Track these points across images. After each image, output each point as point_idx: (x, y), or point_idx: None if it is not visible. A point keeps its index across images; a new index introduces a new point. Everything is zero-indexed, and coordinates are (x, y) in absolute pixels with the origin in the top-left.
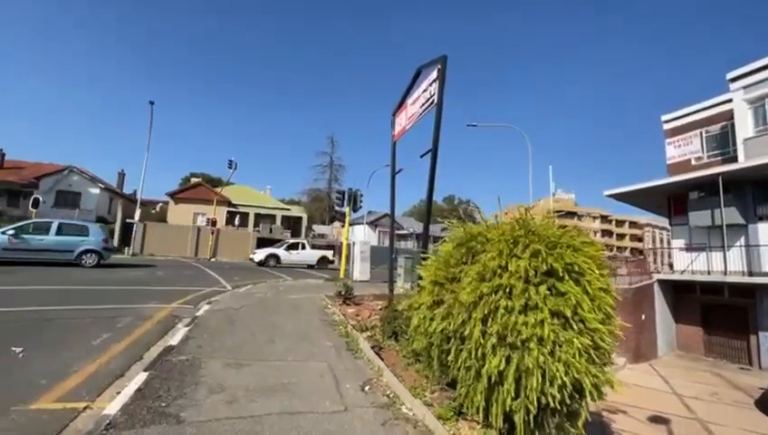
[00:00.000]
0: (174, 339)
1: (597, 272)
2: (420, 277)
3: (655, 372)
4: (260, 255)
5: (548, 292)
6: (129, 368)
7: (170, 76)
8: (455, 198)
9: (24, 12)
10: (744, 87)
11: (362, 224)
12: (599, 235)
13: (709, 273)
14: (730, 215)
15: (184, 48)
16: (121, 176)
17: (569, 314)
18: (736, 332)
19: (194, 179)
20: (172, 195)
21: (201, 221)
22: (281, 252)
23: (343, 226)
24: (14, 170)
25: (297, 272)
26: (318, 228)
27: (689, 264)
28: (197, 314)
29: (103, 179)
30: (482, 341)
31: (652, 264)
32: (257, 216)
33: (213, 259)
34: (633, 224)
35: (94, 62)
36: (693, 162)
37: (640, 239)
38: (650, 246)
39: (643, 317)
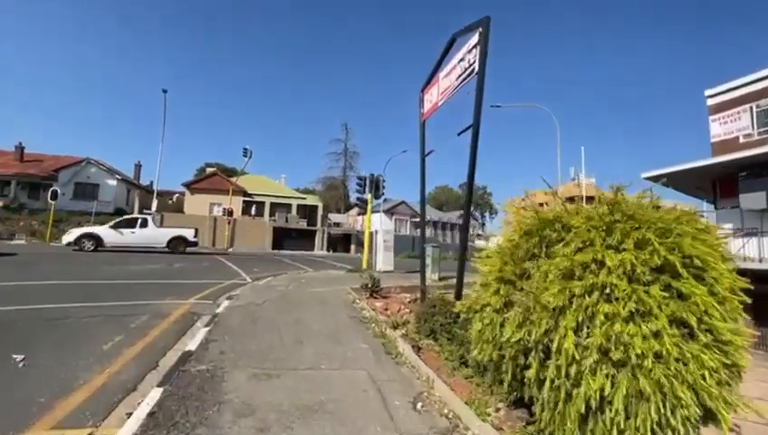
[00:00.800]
0: (193, 342)
1: (723, 266)
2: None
3: None
4: (72, 235)
5: (663, 293)
6: (143, 379)
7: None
8: None
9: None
10: None
11: (378, 212)
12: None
13: (761, 260)
14: None
15: (199, 35)
16: (138, 167)
17: (694, 322)
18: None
19: (209, 169)
20: (188, 185)
21: (217, 211)
22: (105, 231)
23: (360, 213)
24: (33, 163)
25: (319, 264)
26: (334, 217)
27: (739, 249)
28: (217, 310)
29: (120, 171)
30: (576, 355)
31: None
32: (273, 205)
33: (230, 249)
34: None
35: (108, 55)
36: (741, 139)
37: None
38: None
39: None
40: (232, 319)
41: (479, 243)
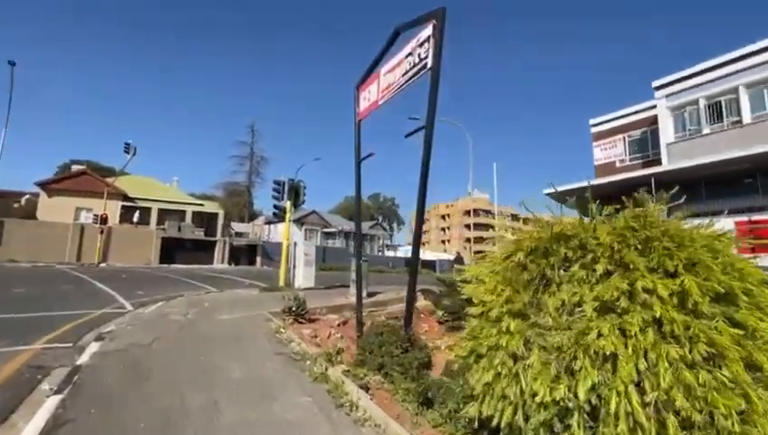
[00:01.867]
0: (28, 429)
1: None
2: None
3: None
4: None
5: (734, 330)
6: None
7: (40, 33)
8: (380, 195)
9: None
10: (667, 95)
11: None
12: (510, 231)
13: None
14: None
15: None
16: None
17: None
18: None
19: (76, 167)
20: (44, 184)
21: (86, 218)
22: None
23: (268, 222)
24: None
25: (223, 281)
26: (237, 226)
27: None
28: (80, 360)
29: None
30: (642, 419)
31: None
32: (162, 212)
33: (102, 264)
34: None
35: None
36: (617, 164)
37: None
38: None
39: None
40: (103, 374)
41: (389, 253)
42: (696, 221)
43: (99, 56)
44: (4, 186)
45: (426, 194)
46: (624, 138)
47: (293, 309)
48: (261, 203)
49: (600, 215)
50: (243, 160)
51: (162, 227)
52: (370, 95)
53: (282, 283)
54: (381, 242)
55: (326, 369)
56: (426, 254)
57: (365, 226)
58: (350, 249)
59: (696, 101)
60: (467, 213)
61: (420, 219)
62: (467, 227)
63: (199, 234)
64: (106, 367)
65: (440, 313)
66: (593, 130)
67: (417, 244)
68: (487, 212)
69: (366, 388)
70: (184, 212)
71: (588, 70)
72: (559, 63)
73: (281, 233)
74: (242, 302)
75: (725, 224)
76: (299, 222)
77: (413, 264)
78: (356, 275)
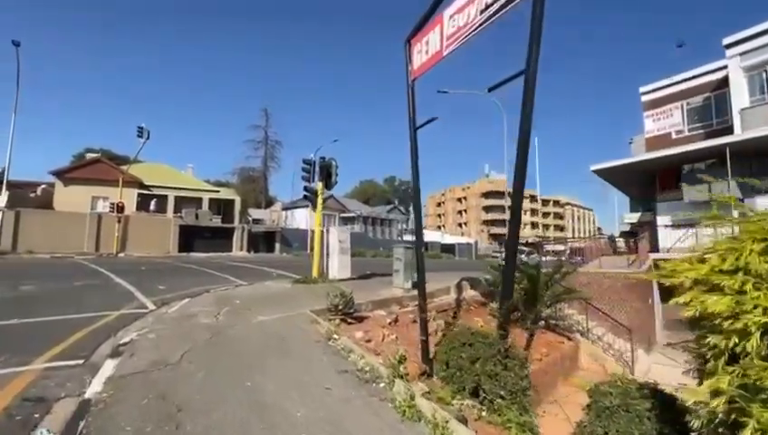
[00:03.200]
0: None
1: None
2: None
3: (673, 362)
4: None
5: None
6: None
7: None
8: (395, 179)
9: None
10: (741, 54)
11: (304, 207)
12: (528, 214)
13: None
14: (725, 188)
15: None
16: None
17: None
18: None
19: (90, 155)
20: (60, 174)
21: (103, 207)
22: None
23: (286, 208)
24: None
25: (247, 272)
26: (254, 213)
27: (678, 240)
28: (89, 391)
29: None
30: None
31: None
32: (179, 199)
33: (121, 254)
34: (556, 203)
35: None
36: (673, 136)
37: (561, 217)
38: (570, 222)
39: (650, 301)
40: (118, 417)
41: (407, 238)
42: None
43: (109, 42)
44: (19, 176)
45: (526, 160)
46: (682, 105)
47: (340, 308)
48: (276, 189)
49: None
50: (257, 145)
51: (179, 214)
52: (429, 47)
53: (315, 273)
54: (400, 226)
55: (412, 397)
56: (445, 237)
57: (382, 210)
58: (368, 234)
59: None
60: (484, 195)
61: (519, 192)
62: (485, 209)
63: (217, 221)
64: (122, 403)
65: (494, 305)
66: (644, 98)
67: (515, 223)
68: (504, 195)
69: (464, 420)
70: (200, 199)
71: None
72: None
73: (299, 219)
74: (276, 298)
75: None
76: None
77: (509, 263)
78: (417, 266)
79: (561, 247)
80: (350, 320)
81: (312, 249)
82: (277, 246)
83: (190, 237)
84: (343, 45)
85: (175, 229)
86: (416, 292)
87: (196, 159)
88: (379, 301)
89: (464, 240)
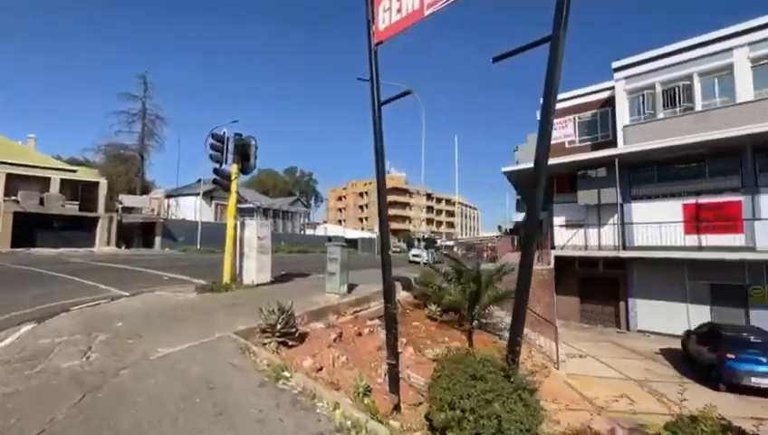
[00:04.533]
0: None
1: None
2: None
3: (581, 351)
4: None
5: None
6: None
7: None
8: (297, 169)
9: None
10: (626, 78)
11: (193, 195)
12: (424, 210)
13: (586, 248)
14: (611, 194)
15: None
16: None
17: None
18: (608, 300)
19: None
20: None
21: None
22: None
23: (170, 195)
24: None
25: (126, 275)
26: (127, 199)
27: (569, 239)
28: None
29: None
30: None
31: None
32: (12, 178)
33: None
34: (448, 201)
35: None
36: (566, 145)
37: (452, 214)
38: (459, 219)
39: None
40: None
41: (309, 232)
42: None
43: None
44: None
45: (549, 144)
46: (575, 118)
47: (279, 327)
48: (157, 172)
49: None
50: (132, 118)
51: (14, 198)
52: (402, 4)
53: (227, 278)
54: (302, 220)
55: None
56: (347, 232)
57: (283, 202)
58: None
59: (652, 86)
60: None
61: (538, 183)
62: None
63: (72, 208)
64: None
65: (433, 307)
66: None
67: (533, 214)
68: (405, 191)
69: None
70: (48, 180)
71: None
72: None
73: (187, 208)
74: (180, 315)
75: (674, 206)
76: (207, 196)
77: (525, 267)
78: (383, 270)
79: (449, 243)
80: (290, 342)
81: (229, 248)
82: (158, 240)
83: (31, 228)
84: (248, 19)
85: (6, 217)
86: (353, 297)
87: (41, 130)
88: (315, 311)
89: (366, 235)
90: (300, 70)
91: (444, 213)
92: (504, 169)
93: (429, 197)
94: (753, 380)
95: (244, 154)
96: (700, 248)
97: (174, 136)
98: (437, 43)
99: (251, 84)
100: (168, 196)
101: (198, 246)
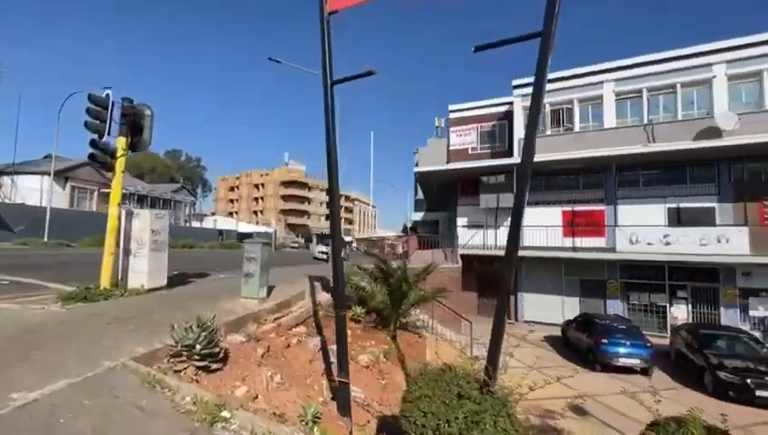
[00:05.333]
0: None
1: None
2: None
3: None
4: None
5: None
6: None
7: None
8: (181, 153)
9: None
10: (523, 95)
11: (40, 174)
12: (324, 206)
13: (485, 247)
14: (509, 199)
15: None
16: None
17: None
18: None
19: None
20: None
21: None
22: None
23: (4, 172)
24: None
25: None
26: None
27: (469, 239)
28: None
29: None
30: None
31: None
32: None
33: None
34: (347, 198)
35: None
36: (470, 151)
37: (351, 211)
38: (358, 217)
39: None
40: None
41: (196, 224)
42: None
43: None
44: None
45: (537, 122)
46: (477, 127)
47: (199, 348)
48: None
49: None
50: None
51: None
52: None
53: (105, 282)
54: (188, 210)
55: None
56: (240, 225)
57: (165, 188)
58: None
59: (543, 105)
60: (283, 184)
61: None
62: (283, 198)
63: None
64: None
65: (358, 309)
66: (452, 115)
67: (518, 210)
68: (305, 185)
69: None
70: None
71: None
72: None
73: (27, 189)
74: (41, 336)
75: (556, 212)
76: (61, 176)
77: (507, 266)
78: (334, 278)
79: (348, 238)
80: (213, 365)
81: (110, 244)
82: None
83: None
84: None
85: None
86: (273, 302)
87: None
88: (233, 322)
89: (262, 229)
90: (191, 38)
91: (343, 209)
92: (416, 170)
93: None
94: (621, 360)
95: (135, 126)
96: (575, 249)
97: (12, 93)
98: (353, 33)
99: (132, 43)
100: (1, 173)
101: (46, 239)
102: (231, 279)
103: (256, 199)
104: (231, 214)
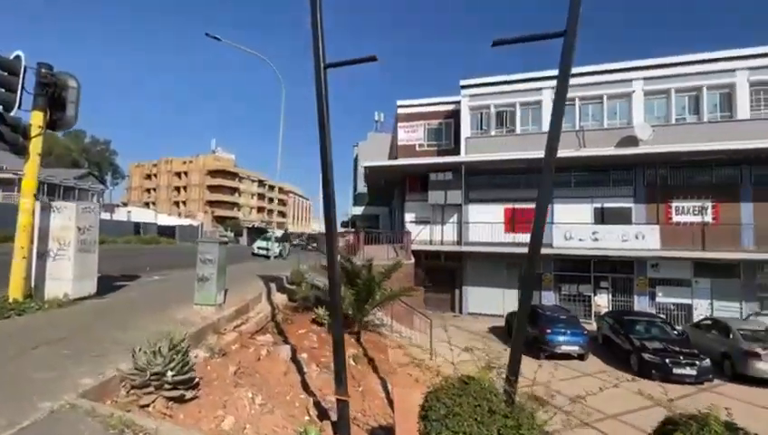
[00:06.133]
0: None
1: None
2: None
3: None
4: None
5: None
6: None
7: None
8: (85, 134)
9: None
10: (471, 96)
11: None
12: (255, 198)
13: (431, 242)
14: (456, 196)
15: None
16: None
17: None
18: (445, 288)
19: None
20: None
21: None
22: None
23: None
24: None
25: None
26: None
27: (417, 234)
28: None
29: None
30: None
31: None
32: None
33: None
34: (281, 190)
35: None
36: (417, 148)
37: (284, 204)
38: (292, 210)
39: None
40: None
41: (105, 216)
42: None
43: None
44: None
45: (557, 140)
46: (425, 125)
47: (171, 375)
48: None
49: None
50: None
51: None
52: None
53: (16, 292)
54: (97, 200)
55: None
56: (160, 217)
57: (67, 175)
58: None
59: (488, 107)
60: (210, 173)
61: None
62: (210, 189)
63: None
64: None
65: (321, 311)
66: (400, 111)
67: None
68: (234, 175)
69: None
70: None
71: None
72: None
73: None
74: None
75: (499, 209)
76: None
77: (529, 279)
78: (330, 288)
79: (278, 233)
80: (188, 394)
81: (22, 245)
82: None
83: None
84: None
85: None
86: (231, 309)
87: None
88: (192, 335)
89: (186, 222)
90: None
91: (276, 201)
92: (365, 165)
93: (261, 183)
94: (563, 347)
95: (56, 99)
96: (514, 244)
97: None
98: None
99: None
100: None
101: None
102: (170, 282)
103: (178, 189)
104: (148, 205)
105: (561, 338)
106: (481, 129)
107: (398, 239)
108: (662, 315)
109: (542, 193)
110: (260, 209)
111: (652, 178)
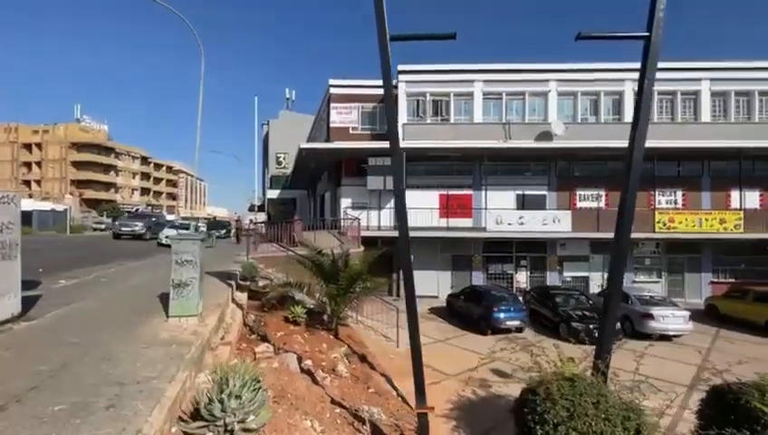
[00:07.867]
0: None
1: None
2: None
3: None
4: None
5: None
6: None
7: None
8: None
9: None
10: (407, 82)
11: None
12: (138, 177)
13: (368, 228)
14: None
15: None
16: None
17: None
18: (383, 273)
19: None
20: None
21: None
22: None
23: None
24: None
25: None
26: None
27: (353, 220)
28: None
29: None
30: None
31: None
32: None
33: None
34: (169, 169)
35: None
36: (350, 131)
37: (175, 185)
38: (184, 192)
39: None
40: None
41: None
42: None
43: None
44: None
45: (645, 130)
46: (359, 107)
47: (233, 420)
48: None
49: None
50: None
51: None
52: None
53: None
54: None
55: None
56: None
57: None
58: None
59: (424, 94)
60: (75, 146)
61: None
62: (75, 165)
63: None
64: None
65: (299, 309)
66: (333, 91)
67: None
68: (110, 151)
69: None
70: None
71: None
72: None
73: None
74: None
75: (434, 196)
76: None
77: (617, 271)
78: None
79: (171, 218)
80: None
81: None
82: None
83: None
84: None
85: None
86: (214, 317)
87: None
88: (193, 359)
89: (47, 205)
90: None
91: (164, 182)
92: (302, 146)
93: (146, 161)
94: (506, 323)
95: None
96: (449, 229)
97: None
98: None
99: None
100: None
101: None
102: (97, 286)
103: (28, 165)
104: None
105: (504, 314)
106: (417, 115)
107: (335, 226)
108: (577, 289)
109: (631, 184)
110: (145, 191)
111: (563, 170)
